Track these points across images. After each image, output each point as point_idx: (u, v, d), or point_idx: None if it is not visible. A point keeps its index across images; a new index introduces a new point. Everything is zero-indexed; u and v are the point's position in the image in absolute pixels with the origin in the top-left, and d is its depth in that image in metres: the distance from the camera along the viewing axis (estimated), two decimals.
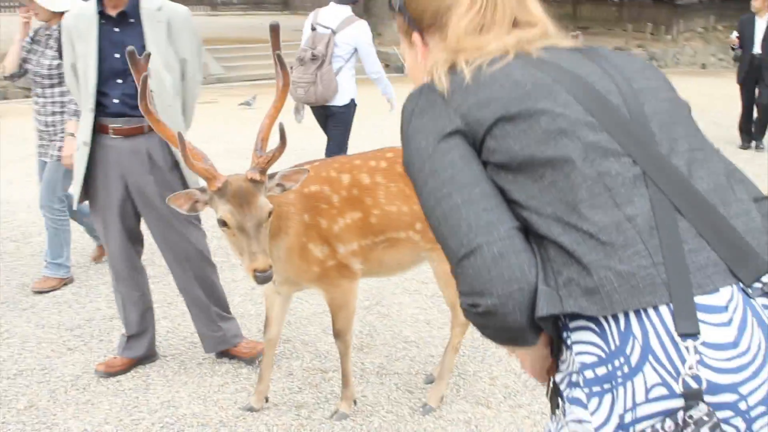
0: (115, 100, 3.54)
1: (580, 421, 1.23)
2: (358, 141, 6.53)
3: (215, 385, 3.71)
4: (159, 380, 3.76)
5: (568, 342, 1.26)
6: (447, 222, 1.29)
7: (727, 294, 1.19)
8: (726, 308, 1.18)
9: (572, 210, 1.23)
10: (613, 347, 1.19)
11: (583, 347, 1.23)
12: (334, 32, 5.65)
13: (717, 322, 1.17)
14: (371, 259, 3.23)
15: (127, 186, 3.64)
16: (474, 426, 3.34)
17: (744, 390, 1.16)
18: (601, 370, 1.20)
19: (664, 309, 1.17)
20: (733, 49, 10.43)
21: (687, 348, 1.15)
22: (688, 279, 1.17)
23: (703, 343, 1.15)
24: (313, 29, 5.79)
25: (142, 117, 2.98)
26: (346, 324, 3.29)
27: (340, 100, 5.78)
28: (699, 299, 1.17)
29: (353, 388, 3.40)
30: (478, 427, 3.34)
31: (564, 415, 1.28)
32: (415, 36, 1.57)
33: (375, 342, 4.16)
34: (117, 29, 3.51)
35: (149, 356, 3.92)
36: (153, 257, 5.54)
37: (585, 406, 1.22)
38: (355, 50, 5.75)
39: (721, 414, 1.14)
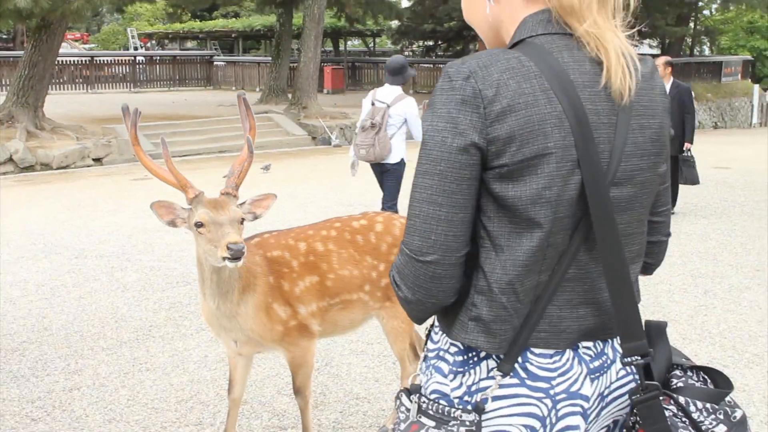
0: None
1: (440, 383, 1.60)
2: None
3: None
4: None
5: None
6: (423, 222, 1.50)
7: (567, 353, 1.57)
8: (556, 354, 1.57)
9: (516, 267, 1.51)
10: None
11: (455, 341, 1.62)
12: (388, 106, 7.20)
13: (548, 352, 1.57)
14: (327, 320, 3.52)
15: None
16: None
17: (553, 382, 1.55)
18: (461, 358, 1.59)
19: None
20: None
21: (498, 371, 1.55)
22: (531, 339, 1.54)
23: (532, 353, 1.55)
24: (373, 104, 7.36)
25: None
26: (305, 381, 3.56)
27: (393, 159, 7.29)
28: (539, 350, 1.55)
29: None
30: None
31: (428, 375, 1.64)
32: None
33: (328, 399, 4.42)
34: None
35: None
36: (104, 330, 5.73)
37: (445, 376, 1.59)
38: (405, 120, 7.28)
39: (536, 394, 1.54)
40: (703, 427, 1.52)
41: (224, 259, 2.93)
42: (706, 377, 1.64)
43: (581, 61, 1.52)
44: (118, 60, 34.81)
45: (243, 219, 3.09)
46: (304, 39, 22.42)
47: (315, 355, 3.63)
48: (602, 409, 1.62)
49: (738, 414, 1.56)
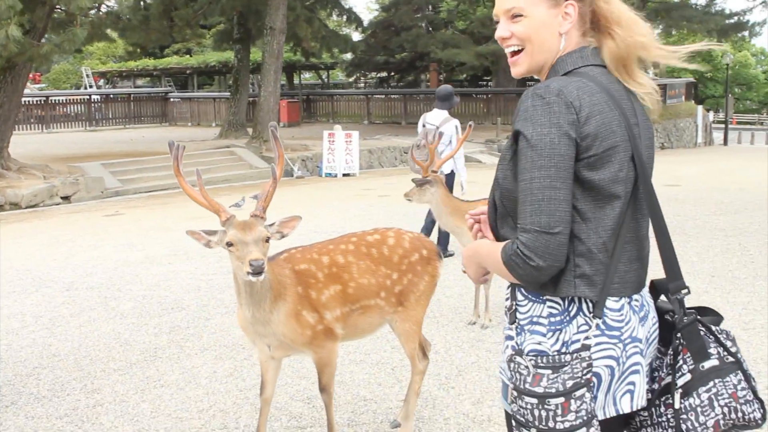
0: None
1: (539, 343, 2.06)
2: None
3: None
4: None
5: (542, 298, 2.09)
6: (548, 203, 1.94)
7: (626, 307, 2.07)
8: (621, 309, 2.07)
9: (604, 231, 2.03)
10: (566, 306, 2.06)
11: (552, 304, 2.08)
12: (437, 127, 8.28)
13: (617, 307, 2.07)
14: (350, 323, 3.94)
15: None
16: None
17: (622, 330, 2.05)
18: (557, 319, 2.07)
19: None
20: None
21: (594, 317, 2.05)
22: (611, 289, 2.05)
23: (607, 308, 2.04)
24: (424, 126, 8.84)
25: None
26: (329, 379, 3.96)
27: (444, 171, 8.38)
28: (611, 303, 2.06)
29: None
30: None
31: (523, 338, 2.10)
32: (575, 4, 2.11)
33: (339, 402, 4.82)
34: None
35: None
36: (111, 353, 6.05)
37: (543, 335, 2.06)
38: (451, 138, 8.75)
39: (612, 340, 2.03)
40: (724, 342, 2.09)
41: (248, 273, 3.35)
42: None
43: (613, 82, 2.12)
44: (73, 99, 34.88)
45: (268, 238, 3.50)
46: (264, 74, 22.86)
47: (338, 355, 4.03)
48: (648, 349, 2.13)
49: (733, 334, 2.14)
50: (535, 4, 2.11)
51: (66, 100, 34.65)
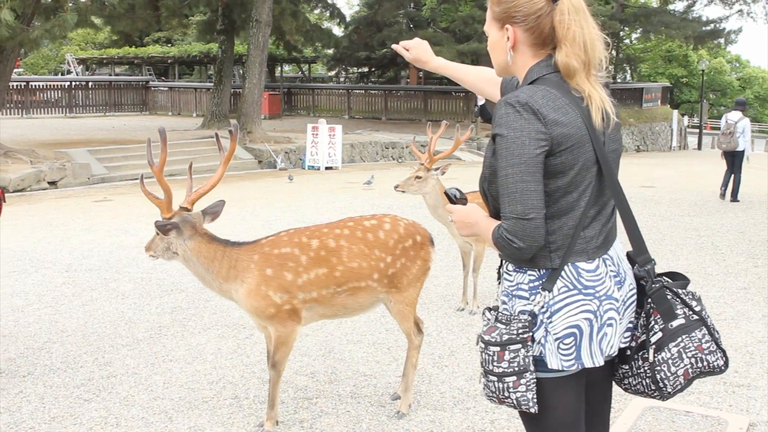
0: None
1: (524, 306, 2.41)
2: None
3: (224, 415, 4.62)
4: (179, 413, 4.63)
5: (524, 268, 2.44)
6: (520, 194, 2.29)
7: (601, 267, 2.42)
8: (596, 269, 2.42)
9: (572, 212, 2.39)
10: (543, 272, 2.41)
11: (531, 272, 2.42)
12: (735, 123, 14.28)
13: (591, 268, 2.41)
14: (336, 303, 4.28)
15: None
16: (438, 424, 4.44)
17: (597, 288, 2.40)
18: (536, 283, 2.41)
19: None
20: None
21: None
22: (587, 254, 2.40)
23: (583, 270, 2.39)
24: (726, 121, 14.45)
25: None
26: (283, 357, 4.28)
27: (739, 149, 14.39)
28: (585, 265, 2.39)
29: (277, 410, 4.43)
30: (441, 425, 4.43)
31: (512, 304, 2.45)
32: (510, 29, 2.46)
33: (340, 377, 5.17)
34: None
35: None
36: (117, 330, 6.35)
37: (527, 299, 2.41)
38: (743, 130, 14.31)
39: (588, 297, 2.37)
40: (689, 303, 2.46)
41: None
42: (668, 279, 2.56)
43: (571, 88, 2.45)
44: (53, 85, 34.85)
45: (156, 232, 4.13)
46: (249, 66, 23.13)
47: (297, 338, 4.36)
48: (625, 310, 2.48)
49: (698, 294, 2.52)
50: (490, 27, 2.55)
51: (45, 85, 34.61)
